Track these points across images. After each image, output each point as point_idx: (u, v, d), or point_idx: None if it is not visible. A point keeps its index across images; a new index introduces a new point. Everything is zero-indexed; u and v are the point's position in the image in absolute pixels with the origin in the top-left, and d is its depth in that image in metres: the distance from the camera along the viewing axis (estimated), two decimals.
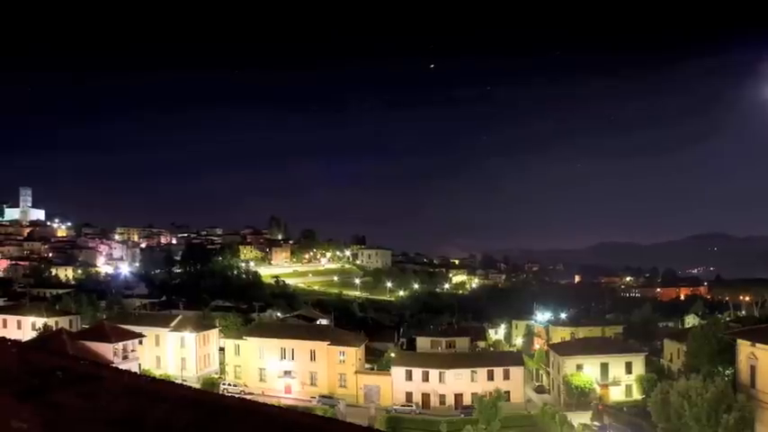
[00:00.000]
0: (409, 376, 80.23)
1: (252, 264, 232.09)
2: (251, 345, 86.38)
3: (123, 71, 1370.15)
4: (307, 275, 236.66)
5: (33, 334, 78.69)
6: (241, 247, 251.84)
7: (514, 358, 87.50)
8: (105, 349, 69.96)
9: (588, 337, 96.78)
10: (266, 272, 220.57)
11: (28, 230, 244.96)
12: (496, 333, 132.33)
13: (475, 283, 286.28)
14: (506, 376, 79.99)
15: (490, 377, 79.34)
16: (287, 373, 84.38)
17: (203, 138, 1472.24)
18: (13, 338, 3.70)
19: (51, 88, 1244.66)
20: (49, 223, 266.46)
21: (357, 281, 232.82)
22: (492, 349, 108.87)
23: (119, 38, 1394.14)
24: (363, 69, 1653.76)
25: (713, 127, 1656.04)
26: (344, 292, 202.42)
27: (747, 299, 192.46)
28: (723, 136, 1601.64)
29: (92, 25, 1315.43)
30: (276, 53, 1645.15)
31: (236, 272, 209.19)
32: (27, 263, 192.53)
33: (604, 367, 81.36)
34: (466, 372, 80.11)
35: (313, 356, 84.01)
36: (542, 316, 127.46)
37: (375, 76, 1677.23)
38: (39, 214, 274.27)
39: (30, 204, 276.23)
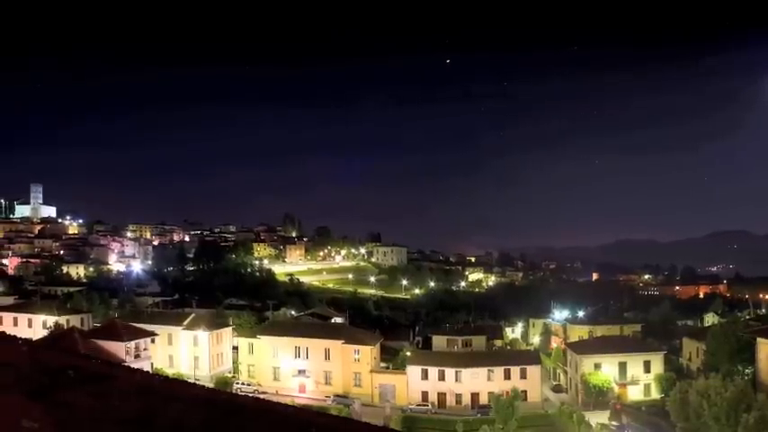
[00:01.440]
0: (425, 375, 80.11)
1: (266, 261, 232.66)
2: (265, 343, 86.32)
3: (132, 68, 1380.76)
4: (321, 273, 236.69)
5: (44, 332, 78.19)
6: (255, 245, 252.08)
7: (531, 357, 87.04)
8: (117, 348, 69.90)
9: (606, 335, 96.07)
10: (280, 269, 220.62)
11: (39, 228, 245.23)
12: (513, 331, 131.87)
13: (491, 280, 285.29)
14: (523, 375, 79.60)
15: (507, 376, 79.02)
16: (301, 372, 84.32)
17: (213, 135, 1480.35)
18: (23, 337, 3.67)
19: (61, 85, 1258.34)
20: (60, 220, 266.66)
21: (372, 279, 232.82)
22: (509, 348, 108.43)
23: (128, 34, 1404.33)
24: (374, 65, 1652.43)
25: (733, 124, 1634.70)
26: (359, 290, 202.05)
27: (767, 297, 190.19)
28: (743, 133, 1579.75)
29: (100, 21, 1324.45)
30: (286, 49, 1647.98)
31: (249, 269, 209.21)
32: (38, 260, 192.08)
33: (622, 366, 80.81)
34: (482, 371, 79.86)
35: (327, 355, 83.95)
36: (560, 314, 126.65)
37: (386, 72, 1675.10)
38: (50, 211, 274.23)
39: (41, 201, 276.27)
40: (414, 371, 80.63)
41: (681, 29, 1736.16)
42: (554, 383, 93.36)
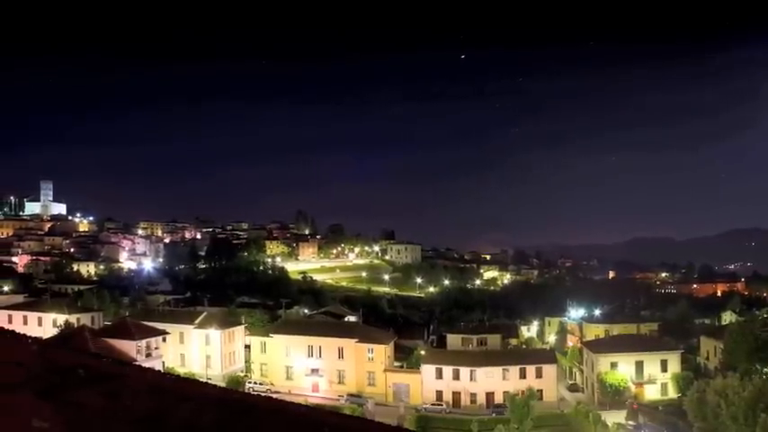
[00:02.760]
0: (439, 374, 79.95)
1: (278, 259, 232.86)
2: (277, 342, 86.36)
3: (144, 64, 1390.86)
4: (334, 271, 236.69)
5: (54, 331, 77.89)
6: (267, 242, 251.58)
7: (547, 356, 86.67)
8: (128, 347, 69.86)
9: (623, 334, 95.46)
10: (293, 267, 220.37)
11: (49, 225, 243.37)
12: (529, 330, 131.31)
13: (507, 278, 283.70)
14: (539, 374, 79.24)
15: (522, 375, 78.67)
16: (314, 371, 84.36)
17: (225, 131, 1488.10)
18: (33, 336, 3.65)
19: (72, 81, 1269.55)
20: (70, 218, 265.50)
21: (386, 276, 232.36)
22: (524, 347, 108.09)
23: (139, 29, 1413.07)
24: (388, 61, 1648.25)
25: (750, 119, 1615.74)
26: (373, 288, 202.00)
27: None
28: (759, 130, 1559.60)
29: (112, 16, 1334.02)
30: (297, 45, 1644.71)
31: (262, 267, 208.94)
32: (48, 258, 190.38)
33: (639, 365, 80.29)
34: (497, 370, 79.55)
35: (341, 354, 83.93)
36: (576, 312, 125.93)
37: (400, 68, 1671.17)
38: (60, 208, 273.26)
39: (50, 198, 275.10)
40: (428, 370, 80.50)
41: (696, 26, 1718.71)
42: (570, 383, 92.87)
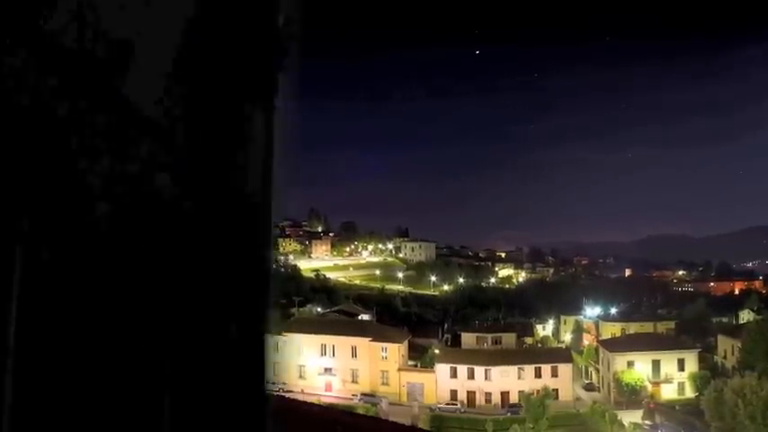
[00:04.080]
0: (454, 373, 79.72)
1: (291, 257, 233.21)
2: (290, 341, 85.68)
3: None
4: (348, 269, 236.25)
5: None
6: (280, 240, 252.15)
7: (563, 355, 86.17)
8: None
9: (639, 332, 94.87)
10: (306, 265, 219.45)
11: None
12: (544, 329, 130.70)
13: (522, 276, 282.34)
14: (554, 373, 78.84)
15: (538, 374, 78.34)
16: (327, 370, 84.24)
17: None
18: None
19: None
20: None
21: (400, 275, 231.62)
22: (539, 345, 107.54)
23: None
24: (402, 57, 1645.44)
25: (765, 119, 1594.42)
26: (387, 286, 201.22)
27: None
28: None
29: None
30: (313, 40, 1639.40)
31: (274, 265, 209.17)
32: None
33: (656, 364, 79.69)
34: (512, 369, 79.22)
35: (354, 353, 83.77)
36: (592, 311, 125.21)
37: (415, 64, 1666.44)
38: None
39: None
40: (442, 369, 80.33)
41: (713, 20, 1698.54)
42: (586, 382, 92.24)
